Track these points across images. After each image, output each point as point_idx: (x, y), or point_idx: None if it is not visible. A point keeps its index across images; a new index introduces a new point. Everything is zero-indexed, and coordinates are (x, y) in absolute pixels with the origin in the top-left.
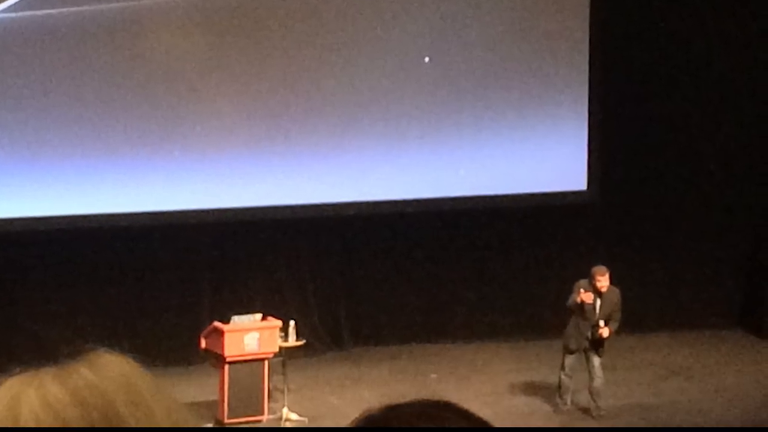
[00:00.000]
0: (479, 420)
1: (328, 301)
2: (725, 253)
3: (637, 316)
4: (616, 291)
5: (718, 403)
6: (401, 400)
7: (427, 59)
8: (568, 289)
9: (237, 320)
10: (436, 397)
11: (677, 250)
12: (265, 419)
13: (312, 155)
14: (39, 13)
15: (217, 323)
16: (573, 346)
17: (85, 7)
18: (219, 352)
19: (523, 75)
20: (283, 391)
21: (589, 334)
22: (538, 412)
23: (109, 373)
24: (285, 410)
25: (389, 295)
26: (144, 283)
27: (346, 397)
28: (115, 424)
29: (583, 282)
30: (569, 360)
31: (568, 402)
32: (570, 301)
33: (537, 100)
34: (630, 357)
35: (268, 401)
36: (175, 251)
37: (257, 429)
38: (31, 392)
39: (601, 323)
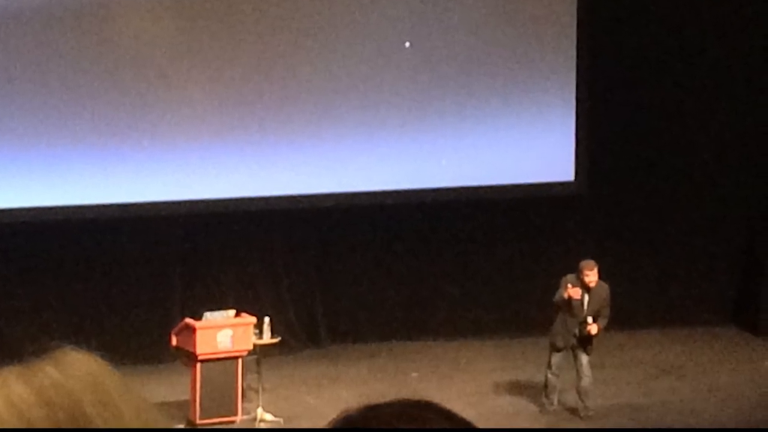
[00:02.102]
0: (462, 421)
1: (304, 297)
2: (719, 246)
3: (626, 313)
4: (605, 286)
5: (711, 403)
6: (380, 400)
7: (407, 44)
8: (555, 285)
9: (209, 316)
10: (417, 397)
11: (669, 243)
12: (239, 420)
13: (287, 144)
14: None
15: (188, 320)
16: (560, 343)
17: None
18: (190, 349)
19: (508, 61)
20: (257, 391)
21: (576, 331)
22: (524, 413)
23: (75, 372)
24: (259, 410)
25: (368, 291)
26: (112, 277)
27: (323, 396)
28: (81, 425)
29: (571, 277)
30: (556, 358)
31: (555, 402)
32: (557, 297)
33: (522, 86)
34: (619, 355)
35: (242, 401)
36: (145, 244)
37: (230, 430)
38: None
39: (590, 320)
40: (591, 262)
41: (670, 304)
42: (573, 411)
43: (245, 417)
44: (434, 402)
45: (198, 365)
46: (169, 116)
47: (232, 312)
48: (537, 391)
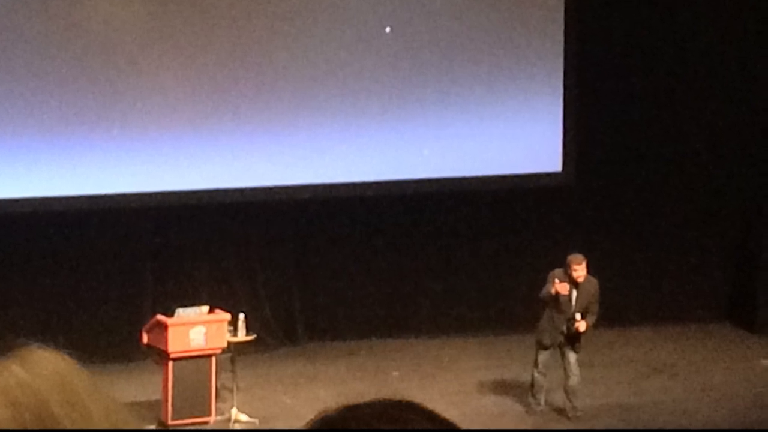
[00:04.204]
0: (445, 421)
1: (281, 293)
2: (713, 240)
3: (616, 309)
4: (594, 281)
5: (704, 402)
6: (360, 400)
7: (388, 29)
8: (542, 280)
9: (182, 313)
10: (398, 397)
11: (660, 236)
12: (213, 420)
13: (263, 134)
14: None
15: (160, 316)
16: (547, 341)
17: None
18: (162, 347)
19: (493, 46)
20: (231, 390)
21: (564, 328)
22: (510, 413)
23: (42, 371)
24: (234, 411)
25: (347, 286)
26: (80, 272)
27: (300, 396)
28: (49, 426)
29: (558, 272)
30: (543, 356)
31: (542, 402)
32: (544, 293)
33: (507, 73)
34: (609, 353)
35: (216, 401)
36: (115, 238)
37: (204, 431)
38: None
39: (578, 316)
40: (579, 257)
41: (662, 300)
42: (560, 411)
43: (219, 417)
44: (416, 402)
45: (170, 364)
46: (140, 104)
47: (206, 308)
48: (523, 391)
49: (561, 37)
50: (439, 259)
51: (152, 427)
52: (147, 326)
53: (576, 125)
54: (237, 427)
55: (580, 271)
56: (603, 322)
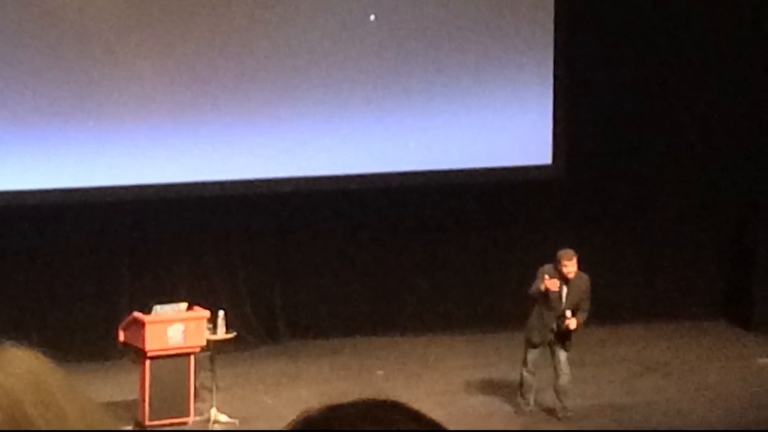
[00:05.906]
0: (431, 422)
1: (262, 289)
2: (707, 235)
3: (608, 306)
4: (585, 278)
5: (699, 402)
6: (343, 400)
7: (372, 17)
8: (531, 276)
9: (159, 310)
10: (383, 396)
11: (653, 231)
12: (191, 421)
13: (243, 125)
14: None
15: (137, 313)
16: (536, 339)
17: None
18: (139, 345)
19: (481, 35)
20: (211, 390)
21: (554, 325)
22: (498, 413)
23: (15, 370)
24: (213, 411)
25: (330, 282)
26: (55, 268)
27: (282, 396)
28: (22, 427)
29: (548, 267)
30: (532, 355)
31: (531, 402)
32: (533, 289)
33: (496, 63)
34: (601, 351)
35: (195, 401)
36: (90, 233)
37: None
38: None
39: (568, 314)
40: (570, 252)
41: (655, 297)
42: (550, 411)
43: (198, 418)
44: (401, 402)
45: (147, 362)
46: (117, 95)
47: (184, 305)
48: (512, 390)
49: (551, 26)
50: (425, 255)
51: (129, 427)
52: (124, 324)
53: (566, 116)
54: (216, 427)
55: (570, 267)
56: (594, 319)
